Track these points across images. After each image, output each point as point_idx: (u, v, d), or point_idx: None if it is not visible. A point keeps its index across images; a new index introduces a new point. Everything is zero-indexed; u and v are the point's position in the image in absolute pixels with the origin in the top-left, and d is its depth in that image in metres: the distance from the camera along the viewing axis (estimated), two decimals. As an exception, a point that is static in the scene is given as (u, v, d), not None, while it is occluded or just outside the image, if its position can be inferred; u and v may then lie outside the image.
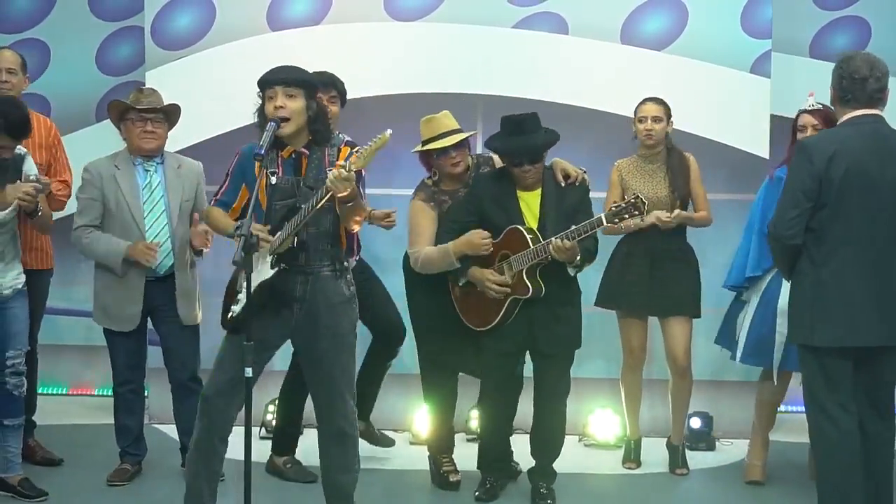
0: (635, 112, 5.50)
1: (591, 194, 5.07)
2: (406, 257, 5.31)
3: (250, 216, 4.00)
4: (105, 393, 6.76)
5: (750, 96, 6.08)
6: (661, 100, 5.50)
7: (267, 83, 4.21)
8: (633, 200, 4.67)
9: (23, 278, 5.03)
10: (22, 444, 5.19)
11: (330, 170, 4.05)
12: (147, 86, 5.43)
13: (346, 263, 4.37)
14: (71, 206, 5.53)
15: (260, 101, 4.25)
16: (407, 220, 5.22)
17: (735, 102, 6.06)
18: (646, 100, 5.50)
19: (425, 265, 5.05)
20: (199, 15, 6.33)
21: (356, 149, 4.08)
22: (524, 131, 4.89)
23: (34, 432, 5.65)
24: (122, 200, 5.16)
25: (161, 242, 5.16)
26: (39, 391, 5.87)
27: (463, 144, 5.12)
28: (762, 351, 5.21)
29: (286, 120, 4.16)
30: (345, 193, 4.00)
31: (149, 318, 5.31)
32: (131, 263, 5.12)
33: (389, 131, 3.96)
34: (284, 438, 5.51)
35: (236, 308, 4.31)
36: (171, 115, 5.26)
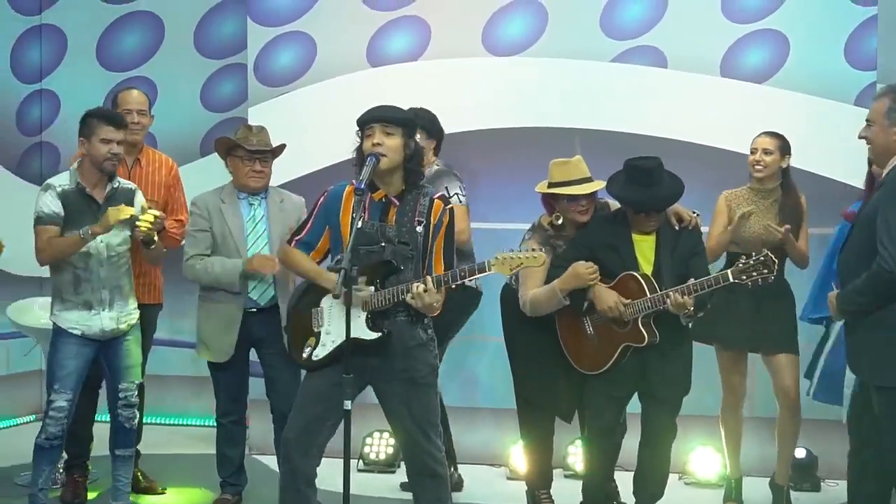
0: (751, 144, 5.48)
1: (692, 230, 5.05)
2: (504, 292, 5.35)
3: (349, 250, 4.01)
4: (208, 423, 6.91)
5: (854, 129, 5.97)
6: (777, 134, 5.43)
7: (366, 121, 4.28)
8: (762, 258, 4.58)
9: (137, 313, 5.19)
10: (127, 474, 5.35)
11: (419, 223, 4.20)
12: (254, 123, 5.57)
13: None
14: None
15: (358, 140, 4.31)
16: None
17: (839, 135, 5.96)
18: (762, 132, 5.45)
19: (534, 308, 5.01)
20: (301, 52, 6.51)
21: (505, 256, 4.12)
22: (651, 181, 4.84)
23: (138, 462, 5.79)
24: (228, 233, 5.30)
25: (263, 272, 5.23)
26: (144, 421, 6.02)
27: (594, 194, 5.08)
28: (834, 388, 5.14)
29: (383, 156, 4.21)
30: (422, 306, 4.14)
31: (252, 350, 5.41)
32: (244, 283, 5.20)
33: (545, 257, 4.08)
34: None
35: (319, 352, 4.36)
36: (276, 154, 5.38)
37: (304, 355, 4.40)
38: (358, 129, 4.31)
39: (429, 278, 4.15)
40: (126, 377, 5.11)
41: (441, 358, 4.98)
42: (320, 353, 4.35)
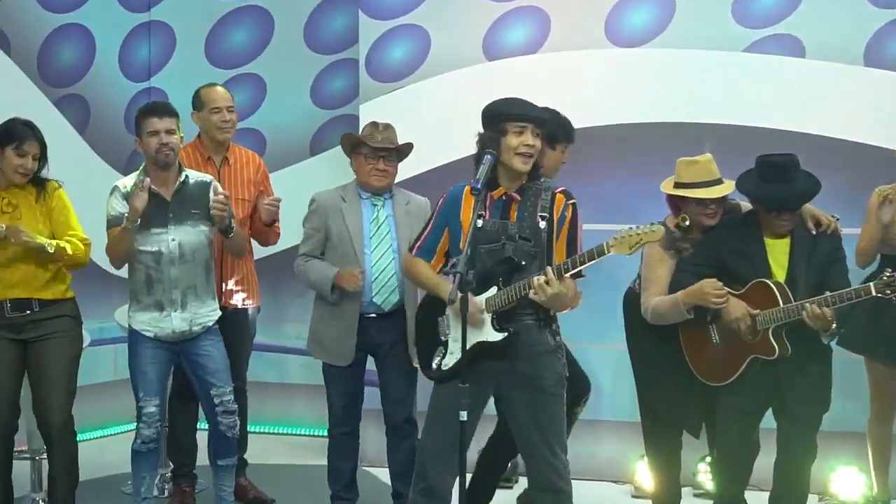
0: None
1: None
2: (627, 296, 5.21)
3: (465, 253, 3.99)
4: (313, 433, 6.91)
5: None
6: None
7: (518, 117, 4.20)
8: None
9: (215, 315, 5.17)
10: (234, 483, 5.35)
11: (541, 218, 4.16)
12: (367, 120, 5.50)
13: (551, 312, 4.30)
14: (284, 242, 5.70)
15: (488, 132, 4.24)
16: (641, 264, 5.05)
17: None
18: None
19: (655, 316, 4.87)
20: (414, 46, 6.44)
21: (622, 235, 4.03)
22: (784, 177, 4.64)
23: (245, 471, 5.81)
24: (345, 233, 5.25)
25: (375, 274, 5.18)
26: (250, 430, 6.03)
27: (725, 197, 4.90)
28: None
29: (529, 157, 4.19)
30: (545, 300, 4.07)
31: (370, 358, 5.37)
32: (346, 294, 5.16)
33: (663, 229, 4.00)
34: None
35: (448, 360, 4.33)
36: (402, 152, 5.32)
37: (434, 366, 4.39)
38: (496, 120, 4.23)
39: (548, 268, 4.09)
40: (213, 383, 5.09)
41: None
42: (449, 361, 4.34)
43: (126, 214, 4.86)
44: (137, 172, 5.07)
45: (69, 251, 4.95)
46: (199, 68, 7.19)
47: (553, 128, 4.91)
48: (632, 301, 5.15)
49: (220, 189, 5.11)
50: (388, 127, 5.31)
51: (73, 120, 6.87)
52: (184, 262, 5.00)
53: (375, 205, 5.30)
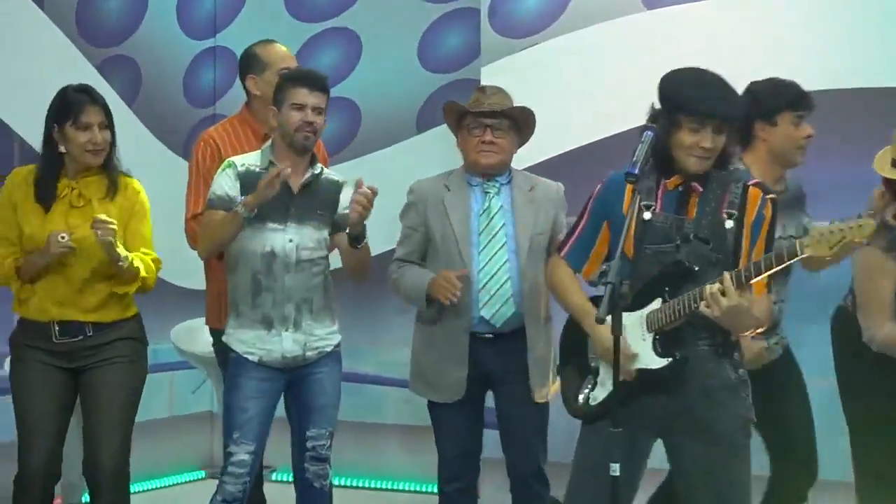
0: None
1: None
2: (837, 317, 5.17)
3: (618, 258, 3.94)
4: (415, 488, 7.01)
5: None
6: None
7: (695, 111, 4.10)
8: None
9: (334, 339, 5.22)
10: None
11: (728, 216, 4.10)
12: (486, 84, 5.52)
13: (732, 337, 4.24)
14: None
15: (657, 111, 4.19)
16: (854, 276, 5.01)
17: None
18: None
19: (886, 346, 4.82)
20: (552, -10, 6.45)
21: (820, 231, 3.88)
22: None
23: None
24: (449, 232, 5.24)
25: (483, 280, 5.16)
26: (335, 482, 6.10)
27: None
28: None
29: (707, 158, 4.14)
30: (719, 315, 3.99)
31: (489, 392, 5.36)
32: (447, 308, 5.16)
33: (874, 223, 3.85)
34: None
35: (598, 393, 4.30)
36: (520, 122, 5.25)
37: (580, 400, 4.35)
38: (669, 107, 4.16)
39: (726, 275, 3.97)
40: (315, 421, 5.14)
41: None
42: (599, 394, 4.30)
43: (242, 199, 4.89)
44: (262, 150, 5.12)
45: (142, 273, 5.06)
46: (276, 22, 7.31)
47: (765, 99, 4.92)
48: (845, 323, 5.08)
49: (364, 184, 5.02)
50: (498, 90, 5.26)
51: (120, 87, 6.98)
52: (300, 269, 5.06)
53: (487, 192, 5.28)
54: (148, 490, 7.02)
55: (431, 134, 6.98)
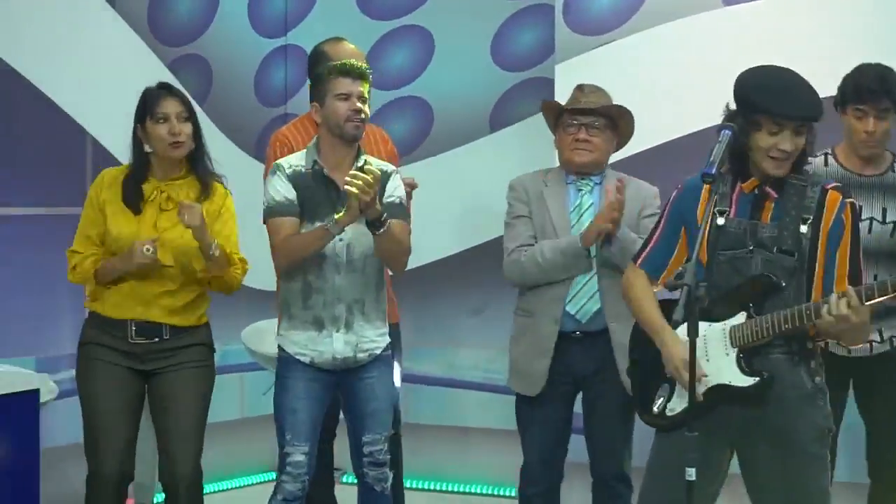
0: None
1: None
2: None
3: (695, 261, 3.87)
4: (493, 492, 6.94)
5: None
6: None
7: (778, 113, 4.04)
8: None
9: (384, 341, 5.18)
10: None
11: (803, 221, 4.03)
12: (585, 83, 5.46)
13: (808, 344, 4.17)
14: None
15: (733, 111, 4.13)
16: None
17: None
18: None
19: None
20: (630, -14, 6.40)
21: None
22: None
23: (405, 538, 5.87)
24: (549, 226, 5.29)
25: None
26: (406, 485, 6.10)
27: None
28: None
29: (786, 161, 4.07)
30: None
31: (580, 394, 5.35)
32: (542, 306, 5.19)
33: None
34: None
35: (674, 405, 4.24)
36: (618, 120, 5.30)
37: (656, 408, 4.29)
38: (746, 108, 4.09)
39: (850, 289, 3.92)
40: (369, 426, 5.12)
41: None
42: (677, 405, 4.24)
43: (338, 216, 4.83)
44: (307, 149, 5.09)
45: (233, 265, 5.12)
46: (348, 19, 7.29)
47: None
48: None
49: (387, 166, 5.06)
50: (596, 89, 5.32)
51: (191, 86, 6.88)
52: (352, 269, 5.03)
53: (580, 190, 5.33)
54: (219, 491, 7.06)
55: (504, 133, 6.94)
